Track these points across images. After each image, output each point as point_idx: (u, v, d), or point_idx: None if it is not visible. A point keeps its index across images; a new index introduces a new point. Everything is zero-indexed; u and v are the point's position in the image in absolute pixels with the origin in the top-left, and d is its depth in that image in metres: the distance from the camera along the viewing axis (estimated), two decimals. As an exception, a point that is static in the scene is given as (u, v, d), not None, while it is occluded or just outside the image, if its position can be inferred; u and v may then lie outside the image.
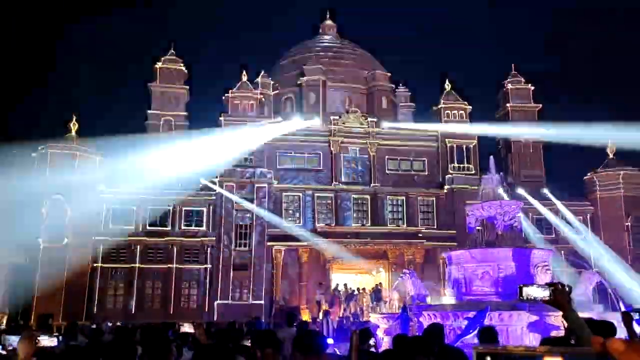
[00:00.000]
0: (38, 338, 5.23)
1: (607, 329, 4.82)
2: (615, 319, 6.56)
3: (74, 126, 38.60)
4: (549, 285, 3.31)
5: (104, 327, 16.91)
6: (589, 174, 43.27)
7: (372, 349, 8.35)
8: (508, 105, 45.76)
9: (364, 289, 34.43)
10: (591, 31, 78.04)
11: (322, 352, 3.40)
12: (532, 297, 3.30)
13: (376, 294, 33.47)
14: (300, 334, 3.79)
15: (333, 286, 35.45)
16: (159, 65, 42.64)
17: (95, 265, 36.82)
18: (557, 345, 1.04)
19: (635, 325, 5.91)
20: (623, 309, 15.78)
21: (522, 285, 3.35)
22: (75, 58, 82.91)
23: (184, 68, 43.21)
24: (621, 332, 5.75)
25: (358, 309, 32.33)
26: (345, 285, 34.82)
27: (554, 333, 13.48)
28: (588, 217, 42.14)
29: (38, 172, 36.37)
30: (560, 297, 3.26)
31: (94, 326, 17.94)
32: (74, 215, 35.75)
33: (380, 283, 35.32)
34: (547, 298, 3.24)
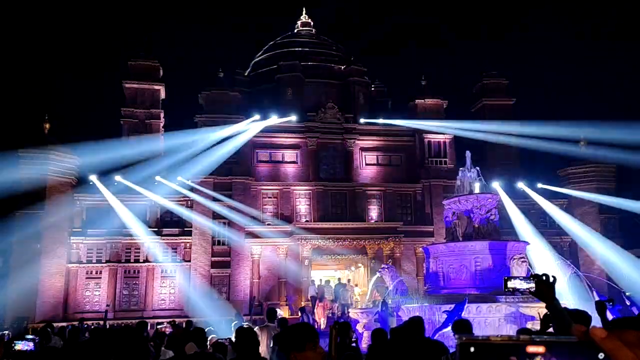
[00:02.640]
0: (14, 342, 5.13)
1: (583, 317, 4.90)
2: (590, 308, 6.68)
3: (46, 126, 37.87)
4: (533, 277, 3.39)
5: (80, 328, 16.68)
6: (562, 167, 43.83)
7: (353, 344, 8.37)
8: (483, 99, 46.21)
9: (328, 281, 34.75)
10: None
11: (309, 345, 3.37)
12: (517, 289, 3.37)
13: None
14: (285, 329, 3.75)
15: (317, 282, 35.52)
16: (133, 62, 42.01)
17: (70, 265, 36.32)
18: (535, 335, 1.04)
19: (608, 313, 6.04)
20: (597, 298, 16.10)
21: (507, 278, 3.42)
22: (46, 56, 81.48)
23: (158, 65, 42.65)
24: (595, 322, 5.86)
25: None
26: (320, 280, 34.86)
27: (529, 324, 13.71)
28: (563, 210, 42.75)
29: (11, 172, 35.67)
30: (544, 288, 3.33)
31: (70, 327, 17.67)
32: (49, 216, 35.21)
33: (347, 279, 35.62)
34: (532, 290, 3.32)
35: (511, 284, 3.38)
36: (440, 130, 42.37)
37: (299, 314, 29.52)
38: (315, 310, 30.27)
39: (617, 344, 0.83)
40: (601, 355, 0.85)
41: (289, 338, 3.40)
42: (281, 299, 36.24)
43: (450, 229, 21.83)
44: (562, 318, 3.25)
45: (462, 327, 6.37)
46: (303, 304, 32.61)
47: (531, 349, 0.88)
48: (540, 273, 3.54)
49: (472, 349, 0.91)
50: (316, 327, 25.77)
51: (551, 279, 3.47)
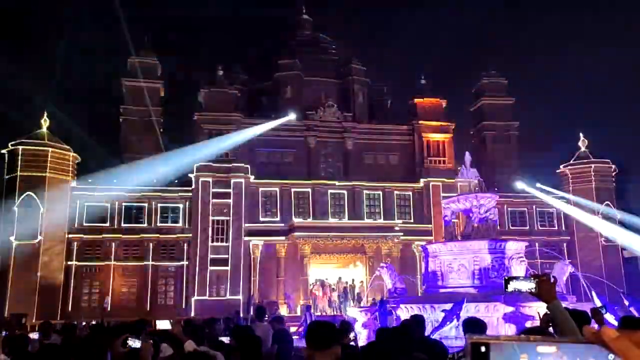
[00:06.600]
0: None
1: (582, 318, 4.90)
2: (589, 309, 6.68)
3: (44, 122, 37.78)
4: (534, 277, 3.38)
5: (78, 326, 16.66)
6: (561, 166, 43.83)
7: (352, 343, 8.38)
8: (482, 98, 46.22)
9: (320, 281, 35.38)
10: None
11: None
12: (518, 290, 3.35)
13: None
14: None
15: (312, 280, 35.68)
16: (132, 59, 41.97)
17: (69, 263, 36.29)
18: (537, 335, 1.04)
19: (609, 315, 6.04)
20: (597, 299, 16.11)
21: (507, 278, 3.40)
22: (44, 50, 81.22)
23: (158, 63, 42.63)
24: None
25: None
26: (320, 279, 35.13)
27: (528, 323, 13.71)
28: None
29: (9, 170, 35.69)
30: (545, 288, 3.33)
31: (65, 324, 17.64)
32: (47, 213, 35.16)
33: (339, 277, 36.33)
34: (533, 290, 3.31)
35: (512, 284, 3.36)
36: (440, 130, 42.33)
37: (301, 312, 29.55)
38: (321, 298, 31.06)
39: (628, 344, 0.83)
40: (611, 357, 0.85)
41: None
42: (280, 297, 36.26)
43: (449, 228, 21.84)
44: (564, 318, 3.25)
45: (474, 325, 6.28)
46: (302, 302, 32.67)
47: (542, 348, 0.88)
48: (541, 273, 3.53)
49: (482, 349, 0.91)
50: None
51: (552, 279, 3.47)
